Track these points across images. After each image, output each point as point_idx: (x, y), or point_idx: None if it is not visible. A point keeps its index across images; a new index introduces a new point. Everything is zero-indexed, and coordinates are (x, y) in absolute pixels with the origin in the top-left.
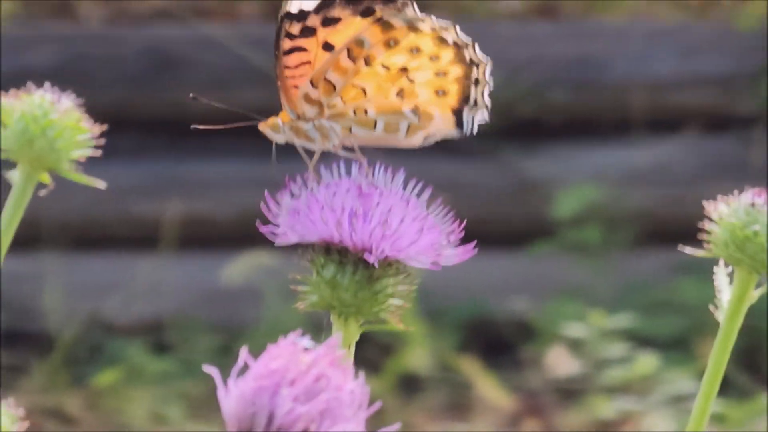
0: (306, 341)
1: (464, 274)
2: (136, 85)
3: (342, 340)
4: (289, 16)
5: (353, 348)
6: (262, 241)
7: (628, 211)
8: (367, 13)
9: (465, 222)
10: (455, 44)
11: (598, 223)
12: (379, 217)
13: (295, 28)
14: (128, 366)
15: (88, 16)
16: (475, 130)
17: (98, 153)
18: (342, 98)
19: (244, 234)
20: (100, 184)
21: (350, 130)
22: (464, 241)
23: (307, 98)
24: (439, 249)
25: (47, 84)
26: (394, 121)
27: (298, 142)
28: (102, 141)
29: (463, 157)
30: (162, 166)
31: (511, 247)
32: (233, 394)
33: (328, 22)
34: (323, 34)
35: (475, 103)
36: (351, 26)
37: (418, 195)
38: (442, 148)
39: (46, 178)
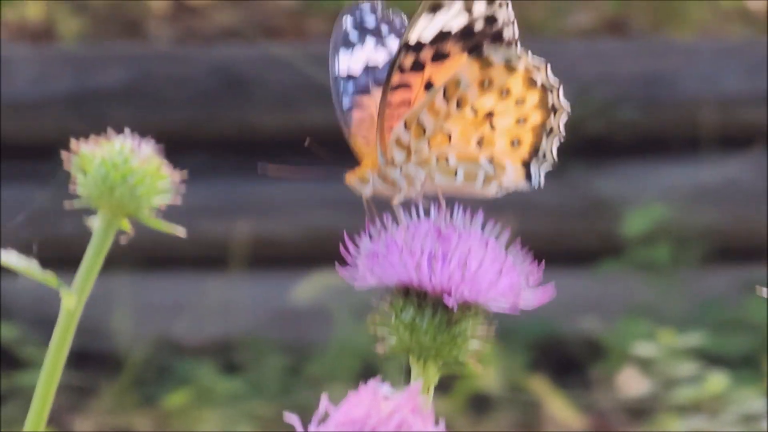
0: (386, 388)
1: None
2: (205, 104)
3: (421, 385)
4: (407, 48)
5: (432, 391)
6: (331, 261)
7: (697, 229)
8: (474, 50)
9: (534, 240)
10: (542, 87)
11: (667, 241)
12: (458, 259)
13: (408, 61)
14: (197, 386)
15: (157, 36)
16: (542, 183)
17: (178, 200)
18: (429, 143)
19: (313, 254)
20: (181, 232)
21: (432, 178)
22: (534, 258)
23: (399, 142)
24: (519, 291)
25: (126, 132)
26: (472, 171)
27: (383, 190)
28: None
29: None
30: (231, 185)
31: (580, 265)
32: None
33: (438, 57)
34: (429, 71)
35: (544, 156)
36: (455, 65)
37: (497, 236)
38: None
39: (126, 224)
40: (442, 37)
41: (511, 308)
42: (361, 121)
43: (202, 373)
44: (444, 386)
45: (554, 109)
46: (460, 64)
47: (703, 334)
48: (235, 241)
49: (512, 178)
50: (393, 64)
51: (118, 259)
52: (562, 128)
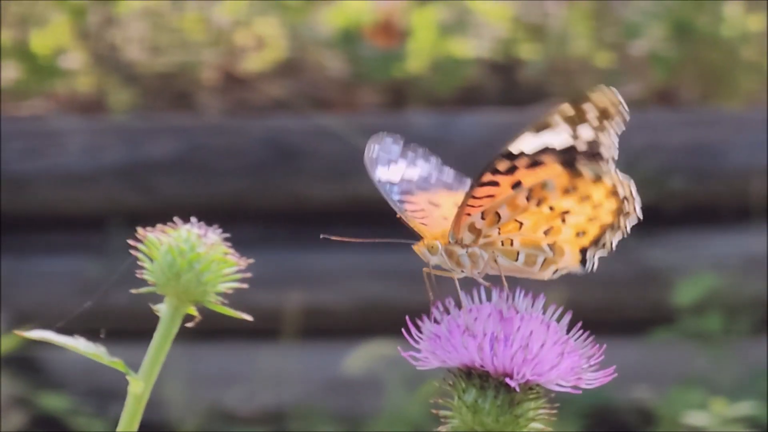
0: None
1: None
2: (256, 175)
3: None
4: (505, 155)
5: None
6: (383, 331)
7: (748, 298)
8: (568, 162)
9: (586, 310)
10: (624, 198)
11: (718, 310)
12: (520, 341)
13: (503, 166)
14: None
15: (207, 108)
16: (595, 268)
17: (245, 285)
18: (499, 230)
19: (364, 324)
20: (248, 317)
21: (495, 260)
22: (585, 328)
23: (472, 227)
24: (580, 373)
25: (194, 219)
26: (533, 254)
27: (447, 266)
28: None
29: None
30: (282, 256)
31: (632, 335)
32: None
33: (533, 164)
34: (521, 174)
35: (603, 245)
36: (547, 171)
37: (559, 319)
38: None
39: (193, 310)
40: (543, 150)
41: (573, 389)
42: (415, 211)
43: None
44: None
45: (627, 214)
46: (551, 172)
47: (753, 403)
48: (287, 311)
49: (568, 262)
50: (484, 168)
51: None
52: (628, 228)
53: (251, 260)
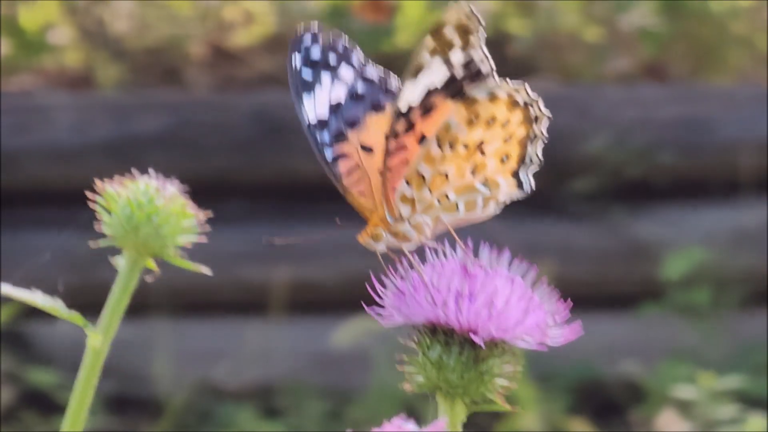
0: (411, 425)
1: None
2: (244, 150)
3: (448, 422)
4: (398, 115)
5: (460, 429)
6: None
7: (737, 272)
8: (457, 94)
9: (574, 285)
10: (525, 104)
11: (707, 284)
12: (484, 297)
13: (401, 126)
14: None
15: (195, 83)
16: (533, 184)
17: (204, 239)
18: (430, 189)
19: (352, 298)
20: (206, 270)
21: (438, 219)
22: (574, 302)
23: (404, 198)
24: (546, 329)
25: (153, 166)
26: (472, 199)
27: (397, 244)
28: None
29: (572, 219)
30: (270, 231)
31: (620, 309)
32: None
33: (426, 111)
34: (420, 127)
35: (531, 160)
36: (442, 113)
37: (524, 275)
38: (551, 211)
39: (151, 264)
40: (429, 94)
41: (538, 345)
42: (350, 173)
43: (243, 418)
44: (485, 429)
45: (537, 119)
46: (447, 111)
47: (743, 376)
48: (275, 286)
49: (506, 191)
50: (387, 137)
51: (159, 305)
52: (544, 132)
53: (209, 212)
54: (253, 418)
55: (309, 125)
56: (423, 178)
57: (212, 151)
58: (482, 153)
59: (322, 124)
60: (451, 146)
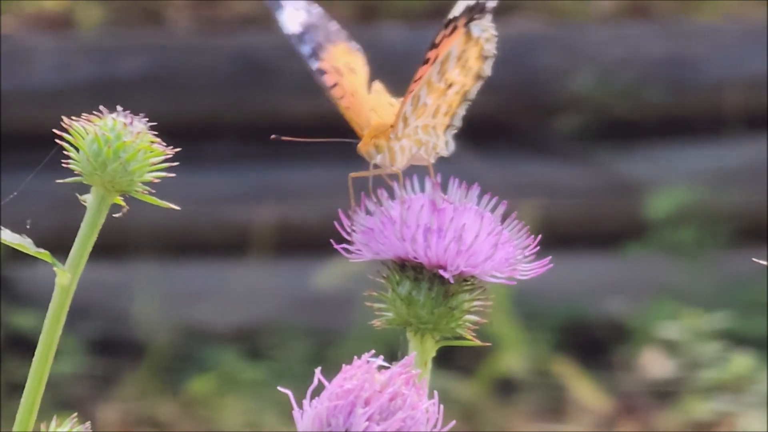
0: (380, 360)
1: (559, 276)
2: (227, 92)
3: (418, 358)
4: (446, 24)
5: (430, 365)
6: None
7: (723, 211)
8: (469, 22)
9: (560, 224)
10: (485, 57)
11: (693, 223)
12: (453, 232)
13: (439, 37)
14: (222, 373)
15: (176, 22)
16: (452, 150)
17: (173, 174)
18: (415, 116)
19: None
20: (174, 206)
21: (408, 148)
22: (560, 242)
23: (404, 117)
24: (515, 264)
25: (127, 101)
26: (427, 140)
27: (385, 164)
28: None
29: (558, 159)
30: (254, 172)
31: (605, 248)
32: (308, 415)
33: (452, 32)
34: (442, 46)
35: (456, 121)
36: (453, 39)
37: (493, 209)
38: (537, 150)
39: (119, 200)
40: (462, 13)
41: (507, 280)
42: (333, 87)
43: (226, 360)
44: (469, 370)
45: (481, 78)
46: (454, 39)
47: (728, 315)
48: (259, 227)
49: (441, 146)
50: (431, 45)
51: (142, 247)
52: (473, 94)
53: (178, 149)
54: (237, 360)
55: (290, 35)
56: (417, 100)
57: (196, 92)
58: (446, 96)
59: (299, 38)
60: (439, 78)
